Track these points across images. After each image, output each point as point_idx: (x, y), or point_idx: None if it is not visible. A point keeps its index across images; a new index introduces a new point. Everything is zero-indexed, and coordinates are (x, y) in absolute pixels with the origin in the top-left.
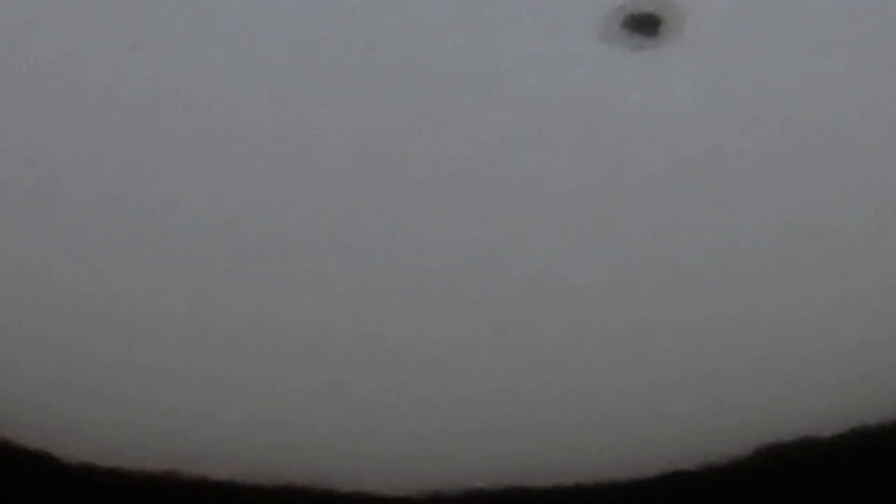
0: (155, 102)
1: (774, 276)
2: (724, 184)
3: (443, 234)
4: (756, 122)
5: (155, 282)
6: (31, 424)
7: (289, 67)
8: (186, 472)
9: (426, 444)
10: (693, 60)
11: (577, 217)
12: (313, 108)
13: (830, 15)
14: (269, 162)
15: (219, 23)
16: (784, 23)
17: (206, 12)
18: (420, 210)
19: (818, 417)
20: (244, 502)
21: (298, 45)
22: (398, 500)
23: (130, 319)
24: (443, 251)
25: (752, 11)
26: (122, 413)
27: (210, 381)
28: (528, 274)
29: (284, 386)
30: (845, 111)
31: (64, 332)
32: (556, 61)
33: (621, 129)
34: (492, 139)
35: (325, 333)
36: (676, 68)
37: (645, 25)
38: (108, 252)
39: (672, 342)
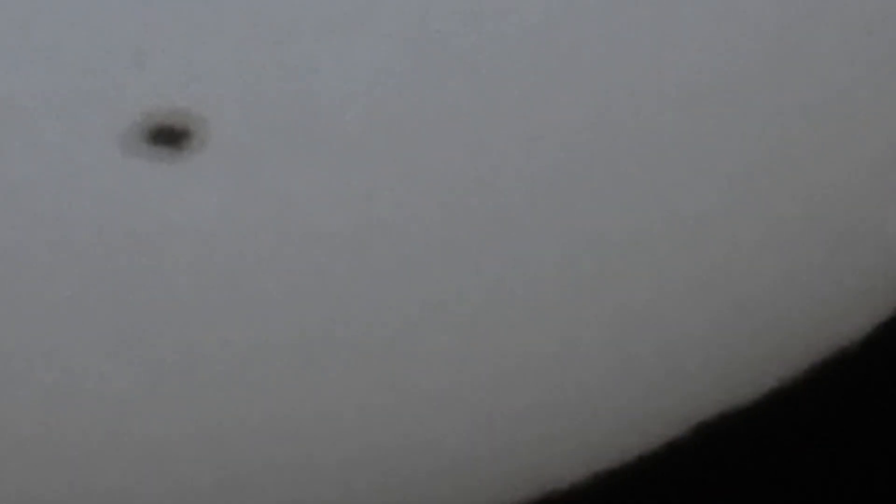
0: None
1: (304, 381)
2: (243, 295)
3: None
4: (282, 234)
5: None
6: None
7: None
8: None
9: None
10: (217, 171)
11: (98, 326)
12: None
13: (357, 127)
14: None
15: None
16: (310, 135)
17: None
18: None
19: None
20: None
21: None
22: None
23: None
24: None
25: (278, 123)
26: None
27: None
28: (49, 381)
29: None
30: (371, 224)
31: None
32: (72, 171)
33: (142, 239)
34: (5, 250)
35: None
36: (200, 179)
37: (167, 134)
38: None
39: (192, 449)
